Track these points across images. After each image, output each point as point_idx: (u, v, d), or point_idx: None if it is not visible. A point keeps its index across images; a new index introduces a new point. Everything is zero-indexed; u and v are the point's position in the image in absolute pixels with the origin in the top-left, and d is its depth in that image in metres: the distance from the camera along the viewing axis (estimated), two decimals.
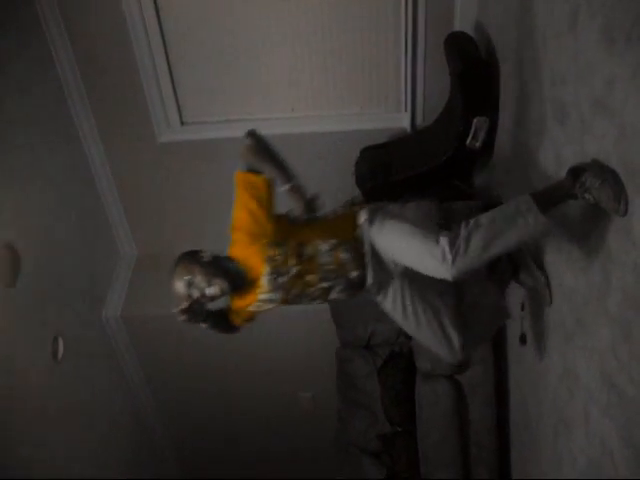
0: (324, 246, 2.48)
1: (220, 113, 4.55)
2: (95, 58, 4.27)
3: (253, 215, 2.49)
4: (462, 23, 4.06)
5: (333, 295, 2.56)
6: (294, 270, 2.45)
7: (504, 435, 4.00)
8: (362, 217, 2.53)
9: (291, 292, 2.51)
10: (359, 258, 2.49)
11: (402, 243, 2.44)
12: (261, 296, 2.53)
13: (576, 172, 2.19)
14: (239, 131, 4.50)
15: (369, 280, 2.52)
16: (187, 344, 5.00)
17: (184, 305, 2.56)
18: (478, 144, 3.69)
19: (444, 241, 2.29)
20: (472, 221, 2.32)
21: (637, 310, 1.93)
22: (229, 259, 2.56)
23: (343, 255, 2.47)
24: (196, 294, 2.52)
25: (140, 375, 5.20)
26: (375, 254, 2.51)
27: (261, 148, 2.61)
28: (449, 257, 2.27)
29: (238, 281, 2.53)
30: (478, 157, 3.86)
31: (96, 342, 4.70)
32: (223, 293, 2.52)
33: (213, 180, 4.79)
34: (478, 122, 3.61)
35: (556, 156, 2.58)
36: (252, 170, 2.55)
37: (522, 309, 3.23)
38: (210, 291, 2.50)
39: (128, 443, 5.17)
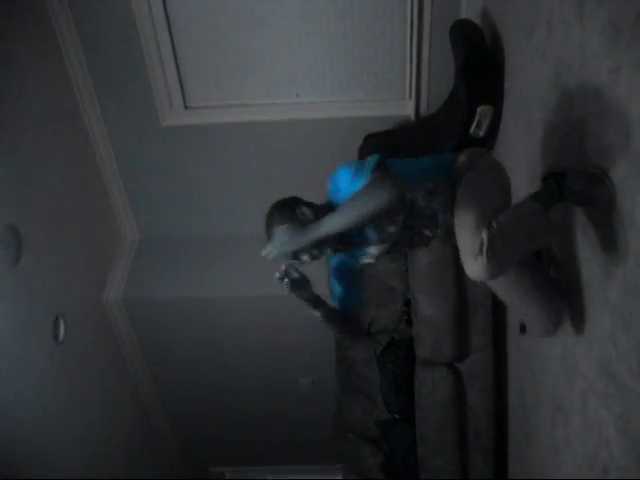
0: (420, 191, 2.29)
1: (224, 98, 4.54)
2: (100, 42, 4.27)
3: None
4: (468, 11, 4.04)
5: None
6: (401, 216, 2.26)
7: (502, 423, 4.02)
8: (462, 157, 2.35)
9: (401, 239, 2.34)
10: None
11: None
12: (369, 249, 2.37)
13: (556, 178, 2.19)
14: (243, 116, 4.56)
15: None
16: (188, 328, 5.02)
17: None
18: (482, 133, 3.69)
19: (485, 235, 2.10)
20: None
21: (637, 300, 1.93)
22: (330, 208, 2.24)
23: (441, 199, 2.31)
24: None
25: (140, 358, 5.22)
26: None
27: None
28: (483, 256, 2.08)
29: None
30: (482, 146, 3.85)
31: (97, 324, 4.72)
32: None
33: (216, 164, 4.80)
34: (482, 111, 3.61)
35: (561, 145, 2.58)
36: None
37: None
38: (313, 253, 2.23)
39: (127, 425, 5.20)
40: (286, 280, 2.19)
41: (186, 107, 4.58)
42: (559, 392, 2.77)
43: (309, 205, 2.26)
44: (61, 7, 4.09)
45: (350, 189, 2.16)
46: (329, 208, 2.26)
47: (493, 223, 2.09)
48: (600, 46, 2.08)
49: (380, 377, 4.30)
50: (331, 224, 2.12)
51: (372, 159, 2.20)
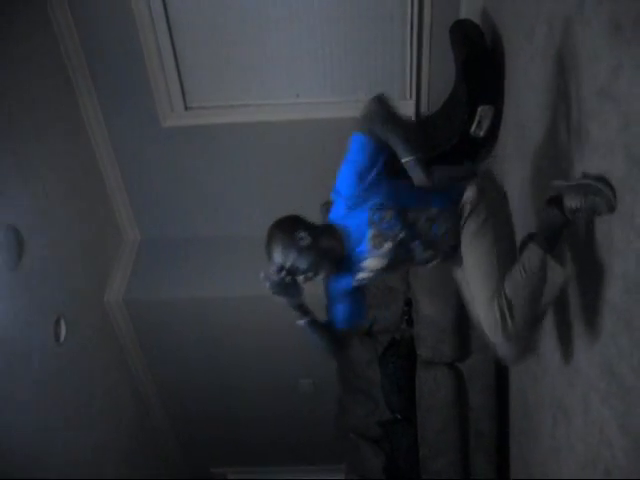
0: (423, 215, 2.34)
1: (224, 98, 4.54)
2: (100, 44, 4.27)
3: (360, 176, 2.32)
4: (468, 11, 4.04)
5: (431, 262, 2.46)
6: (401, 235, 2.31)
7: (503, 423, 4.01)
8: (469, 193, 2.38)
9: (397, 258, 2.38)
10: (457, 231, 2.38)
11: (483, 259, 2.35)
12: (367, 262, 2.39)
13: (556, 202, 2.21)
14: (243, 116, 4.56)
15: None
16: (189, 328, 5.02)
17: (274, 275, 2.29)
18: (482, 132, 3.69)
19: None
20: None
21: (638, 299, 1.93)
22: (329, 231, 2.36)
23: (442, 226, 2.35)
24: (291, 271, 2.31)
25: (141, 358, 5.22)
26: None
27: (389, 117, 2.33)
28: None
29: (338, 256, 2.37)
30: (482, 145, 3.85)
31: (98, 325, 4.72)
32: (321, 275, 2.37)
33: (217, 165, 4.80)
34: (482, 110, 3.61)
35: (561, 144, 2.58)
36: (372, 134, 2.32)
37: None
38: (308, 275, 2.32)
39: (128, 426, 5.20)
40: (267, 283, 2.26)
41: (186, 108, 4.58)
42: (560, 392, 2.77)
43: (308, 228, 2.31)
44: (62, 10, 4.09)
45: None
46: (329, 231, 2.35)
47: (503, 296, 2.22)
48: (601, 45, 2.08)
49: (381, 377, 4.29)
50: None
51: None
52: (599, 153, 2.16)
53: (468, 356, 3.95)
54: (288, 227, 2.31)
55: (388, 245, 2.32)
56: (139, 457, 5.29)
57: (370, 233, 2.31)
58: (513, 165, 3.50)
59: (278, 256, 2.28)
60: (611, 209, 2.04)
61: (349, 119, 4.43)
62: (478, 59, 3.55)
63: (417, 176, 2.26)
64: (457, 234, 2.37)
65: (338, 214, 2.37)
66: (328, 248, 2.34)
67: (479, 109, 3.60)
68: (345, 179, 2.33)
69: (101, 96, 4.48)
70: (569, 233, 2.51)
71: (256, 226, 5.02)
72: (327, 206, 4.09)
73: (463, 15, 4.06)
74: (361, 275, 2.43)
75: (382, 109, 2.32)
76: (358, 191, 2.29)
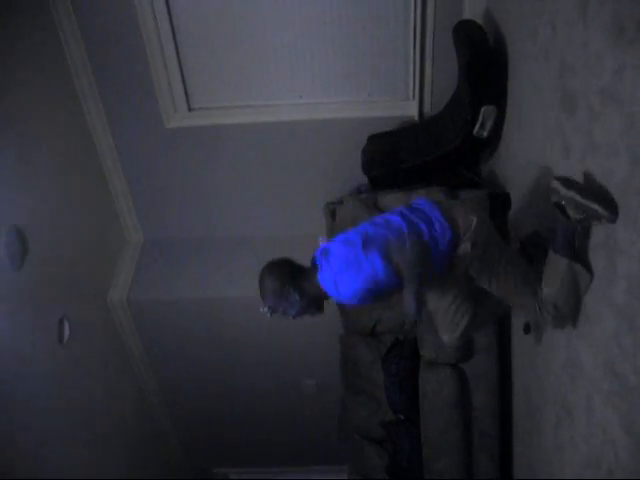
0: None
1: (228, 99, 4.55)
2: (104, 44, 4.27)
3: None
4: (471, 11, 4.04)
5: None
6: None
7: (506, 423, 4.01)
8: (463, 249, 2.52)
9: None
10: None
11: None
12: None
13: (561, 208, 2.32)
14: (247, 117, 4.57)
15: None
16: (192, 329, 5.03)
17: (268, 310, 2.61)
18: (485, 133, 3.69)
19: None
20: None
21: None
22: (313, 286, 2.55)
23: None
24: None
25: (144, 359, 5.23)
26: None
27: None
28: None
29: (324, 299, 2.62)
30: (485, 146, 3.86)
31: (101, 325, 4.73)
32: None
33: (220, 166, 4.81)
34: (486, 111, 3.60)
35: (564, 146, 2.58)
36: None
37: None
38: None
39: (131, 426, 5.20)
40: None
41: (190, 109, 4.59)
42: (564, 392, 2.77)
43: (296, 278, 2.52)
44: (65, 11, 4.10)
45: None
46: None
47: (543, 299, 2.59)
48: (604, 46, 2.08)
49: (384, 378, 4.29)
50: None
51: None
52: (603, 154, 2.17)
53: (471, 357, 3.95)
54: (279, 277, 2.53)
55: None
56: (141, 457, 5.29)
57: None
58: (516, 165, 3.50)
59: (270, 301, 2.55)
60: (612, 222, 2.10)
61: (352, 119, 4.49)
62: (481, 60, 3.55)
63: (409, 304, 2.46)
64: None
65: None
66: (315, 296, 2.56)
67: (482, 110, 3.60)
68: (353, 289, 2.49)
69: (105, 97, 4.49)
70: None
71: (260, 227, 5.09)
72: (331, 207, 4.10)
73: (466, 16, 4.06)
74: None
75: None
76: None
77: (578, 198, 2.22)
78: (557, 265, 2.44)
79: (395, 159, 4.15)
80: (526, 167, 3.24)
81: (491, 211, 3.48)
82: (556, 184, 2.34)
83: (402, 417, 4.30)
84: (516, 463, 3.97)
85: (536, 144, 2.98)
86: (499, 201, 3.64)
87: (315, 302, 2.59)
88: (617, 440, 2.18)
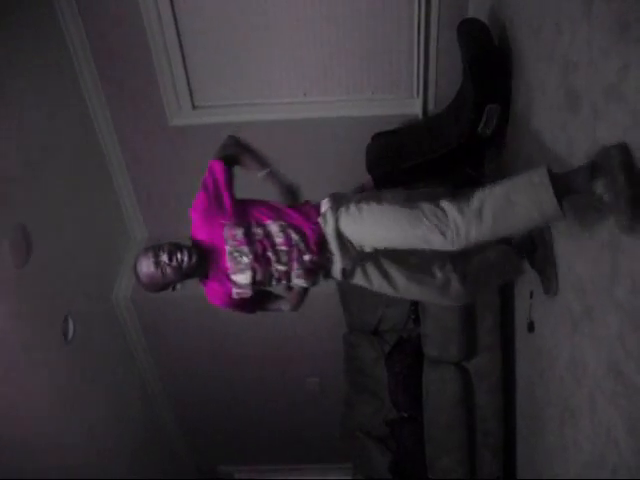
0: (274, 227, 2.54)
1: (232, 97, 4.55)
2: (108, 43, 4.28)
3: (214, 196, 2.65)
4: (476, 9, 4.04)
5: (293, 279, 2.58)
6: (246, 249, 2.49)
7: (510, 422, 4.01)
8: (324, 205, 2.56)
9: (258, 272, 2.52)
10: (319, 243, 2.51)
11: (394, 225, 2.43)
12: (232, 277, 2.56)
13: (593, 172, 2.10)
14: (250, 115, 4.57)
15: (338, 265, 2.55)
16: (196, 327, 5.03)
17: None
18: (490, 131, 3.67)
19: (452, 210, 2.32)
20: (484, 191, 2.34)
21: None
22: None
23: (294, 236, 2.50)
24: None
25: (149, 356, 5.24)
26: (341, 240, 2.52)
27: (240, 143, 2.83)
28: (462, 229, 2.30)
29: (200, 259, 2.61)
30: (489, 145, 3.84)
31: (106, 323, 4.74)
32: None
33: None
34: (490, 109, 3.59)
35: (568, 144, 2.57)
36: (226, 160, 2.75)
37: (531, 297, 3.23)
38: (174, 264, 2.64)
39: (135, 424, 5.22)
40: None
41: (194, 107, 4.59)
42: (567, 391, 2.77)
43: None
44: (70, 10, 4.11)
45: None
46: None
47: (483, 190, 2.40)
48: (608, 43, 2.07)
49: (388, 376, 4.29)
50: None
51: None
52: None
53: (475, 355, 3.95)
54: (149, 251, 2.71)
55: (246, 259, 2.49)
56: (146, 456, 5.30)
57: (228, 250, 2.52)
58: (520, 164, 3.49)
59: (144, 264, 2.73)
60: (627, 229, 2.00)
61: (356, 118, 4.48)
62: (486, 58, 3.54)
63: (276, 188, 2.68)
64: (322, 244, 2.51)
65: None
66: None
67: (487, 108, 3.58)
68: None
69: (109, 95, 4.50)
70: (576, 228, 2.51)
71: None
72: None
73: (471, 14, 4.06)
74: (235, 291, 2.60)
75: (235, 140, 2.81)
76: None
77: (622, 180, 1.96)
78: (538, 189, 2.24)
79: (399, 157, 4.14)
80: (530, 166, 3.22)
81: None
82: (616, 151, 1.99)
83: (405, 415, 4.31)
84: (519, 462, 3.96)
85: (540, 143, 2.97)
86: None
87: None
88: (620, 440, 2.18)
